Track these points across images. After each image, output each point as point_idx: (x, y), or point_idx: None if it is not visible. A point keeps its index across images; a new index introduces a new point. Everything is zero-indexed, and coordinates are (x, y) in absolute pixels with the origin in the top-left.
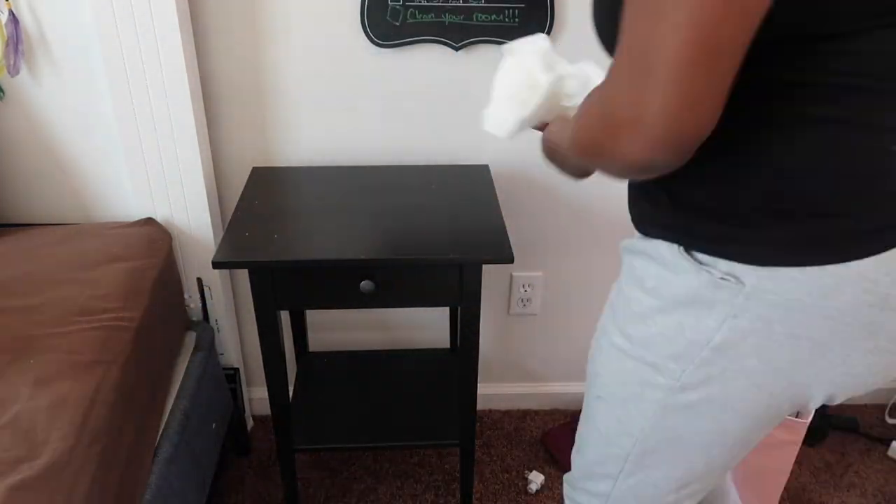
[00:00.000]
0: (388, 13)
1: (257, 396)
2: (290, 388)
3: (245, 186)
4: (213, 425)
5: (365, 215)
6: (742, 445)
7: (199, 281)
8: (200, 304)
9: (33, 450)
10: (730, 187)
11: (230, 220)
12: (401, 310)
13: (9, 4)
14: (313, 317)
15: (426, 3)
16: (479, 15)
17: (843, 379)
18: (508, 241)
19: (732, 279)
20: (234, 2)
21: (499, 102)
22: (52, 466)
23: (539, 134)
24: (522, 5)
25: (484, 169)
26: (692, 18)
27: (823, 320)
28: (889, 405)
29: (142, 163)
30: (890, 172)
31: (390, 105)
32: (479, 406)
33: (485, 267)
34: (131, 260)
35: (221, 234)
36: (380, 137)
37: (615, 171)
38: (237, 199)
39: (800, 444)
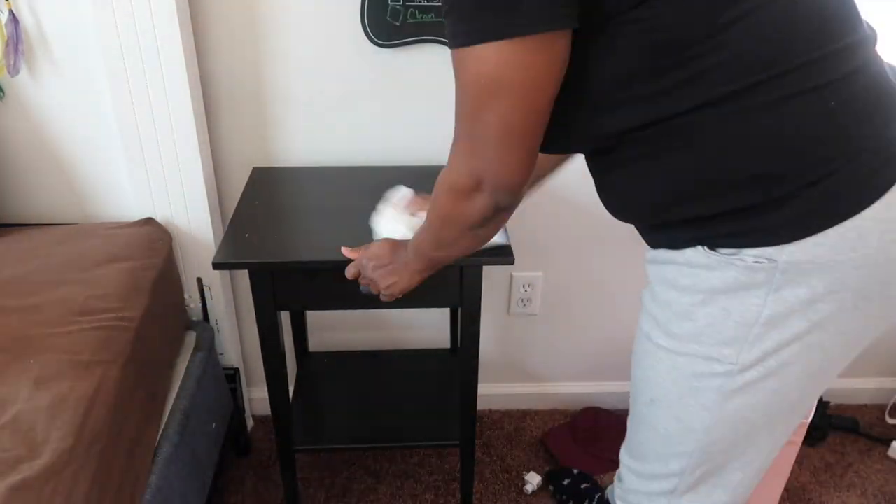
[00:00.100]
0: (388, 13)
1: (257, 396)
2: (290, 388)
3: (245, 186)
4: (213, 425)
5: (365, 216)
6: (799, 412)
7: (199, 281)
8: (200, 304)
9: (33, 450)
10: (718, 190)
11: (230, 221)
12: (401, 310)
13: (9, 4)
14: (313, 317)
15: (426, 3)
16: None
17: (888, 310)
18: (509, 242)
19: (765, 261)
20: (234, 2)
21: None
22: (52, 466)
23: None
24: None
25: None
26: (501, 119)
27: (857, 270)
28: (889, 405)
29: (142, 163)
30: (848, 126)
31: (390, 105)
32: (479, 406)
33: (485, 267)
34: (131, 260)
35: (221, 234)
36: (380, 137)
37: (474, 223)
38: (237, 199)
39: (800, 444)
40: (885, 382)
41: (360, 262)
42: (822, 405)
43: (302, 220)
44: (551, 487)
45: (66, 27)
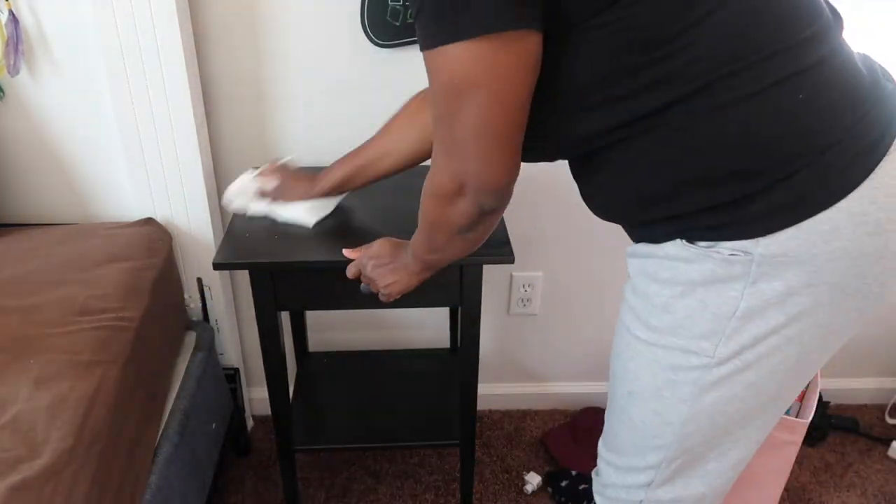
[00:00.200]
0: (388, 13)
1: (257, 396)
2: (290, 388)
3: None
4: (213, 425)
5: (365, 215)
6: (779, 406)
7: (199, 281)
8: (200, 304)
9: (33, 450)
10: (695, 187)
11: (230, 221)
12: (401, 310)
13: (9, 4)
14: (313, 317)
15: None
16: None
17: (865, 304)
18: (509, 241)
19: (741, 253)
20: (233, 2)
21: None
22: (52, 466)
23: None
24: None
25: None
26: (477, 118)
27: (832, 263)
28: (889, 405)
29: (142, 163)
30: (815, 122)
31: (390, 105)
32: (479, 406)
33: (485, 267)
34: (131, 260)
35: (221, 234)
36: None
37: (461, 227)
38: None
39: (800, 444)
40: (885, 382)
41: (360, 261)
42: (822, 405)
43: None
44: (550, 489)
45: (66, 27)
